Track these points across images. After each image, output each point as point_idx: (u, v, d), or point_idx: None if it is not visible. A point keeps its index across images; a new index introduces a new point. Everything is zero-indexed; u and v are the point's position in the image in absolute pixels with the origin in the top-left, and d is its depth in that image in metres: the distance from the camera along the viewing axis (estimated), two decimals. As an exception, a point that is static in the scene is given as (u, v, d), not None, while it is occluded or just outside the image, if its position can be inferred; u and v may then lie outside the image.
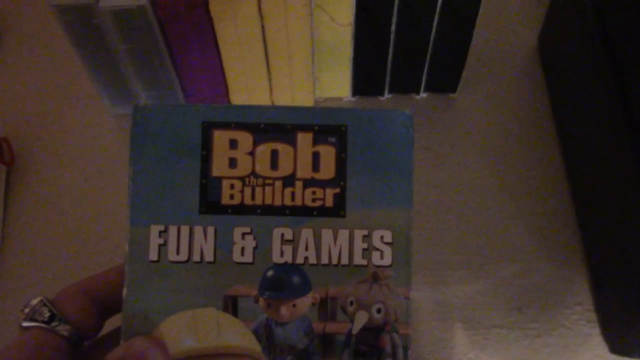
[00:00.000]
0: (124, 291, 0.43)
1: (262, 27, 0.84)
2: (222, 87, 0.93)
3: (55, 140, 0.96)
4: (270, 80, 0.92)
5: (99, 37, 0.84)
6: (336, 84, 0.96)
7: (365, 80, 0.95)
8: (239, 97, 0.94)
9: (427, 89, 0.97)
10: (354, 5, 0.83)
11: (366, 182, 0.43)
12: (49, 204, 0.90)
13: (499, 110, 0.96)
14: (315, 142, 0.43)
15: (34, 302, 0.45)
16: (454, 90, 0.97)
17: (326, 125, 0.43)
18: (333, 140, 0.43)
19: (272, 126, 0.43)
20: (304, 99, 0.95)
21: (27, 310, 0.45)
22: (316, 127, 0.43)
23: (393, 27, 0.86)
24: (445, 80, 0.96)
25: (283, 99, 0.95)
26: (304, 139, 0.43)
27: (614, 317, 0.77)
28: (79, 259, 0.86)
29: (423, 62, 0.92)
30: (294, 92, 0.94)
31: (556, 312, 0.81)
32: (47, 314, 0.44)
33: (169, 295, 0.43)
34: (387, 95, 0.98)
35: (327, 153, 0.43)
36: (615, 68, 0.73)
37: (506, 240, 0.86)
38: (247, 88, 0.92)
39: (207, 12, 0.82)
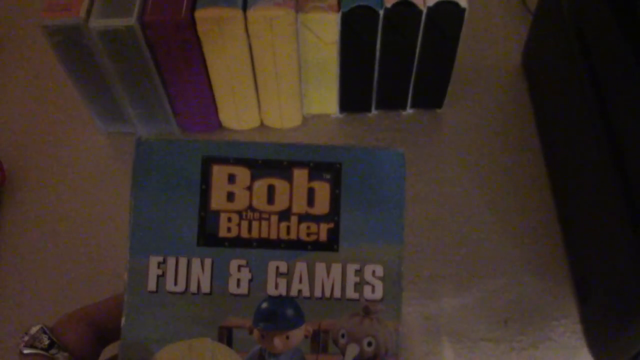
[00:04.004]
0: (122, 320, 0.43)
1: (249, 46, 0.85)
2: (211, 105, 0.94)
3: (46, 159, 0.96)
4: (258, 98, 0.93)
5: (89, 57, 0.84)
6: (324, 101, 0.96)
7: (352, 97, 0.96)
8: (227, 115, 0.95)
9: (414, 105, 0.98)
10: (339, 23, 0.84)
11: (359, 217, 0.44)
12: (41, 223, 0.90)
13: (485, 125, 0.97)
14: (310, 178, 0.44)
15: (34, 330, 0.45)
16: (439, 105, 0.98)
17: (321, 162, 0.44)
18: (328, 176, 0.44)
19: (270, 162, 0.44)
20: (292, 116, 0.96)
21: (26, 338, 0.45)
22: (312, 164, 0.44)
23: (378, 45, 0.87)
24: (431, 96, 0.97)
25: (271, 117, 0.96)
26: (299, 175, 0.44)
27: (600, 329, 0.77)
28: (72, 278, 0.86)
29: (409, 78, 0.93)
30: (282, 110, 0.94)
31: (542, 324, 0.81)
32: (47, 342, 0.45)
33: (166, 325, 0.43)
34: (374, 112, 0.98)
35: (322, 189, 0.44)
36: (596, 83, 0.74)
37: (492, 254, 0.86)
38: (235, 106, 0.93)
39: (195, 32, 0.82)
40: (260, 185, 0.44)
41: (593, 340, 0.79)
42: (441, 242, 0.87)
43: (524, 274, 0.85)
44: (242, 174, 0.44)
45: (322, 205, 0.44)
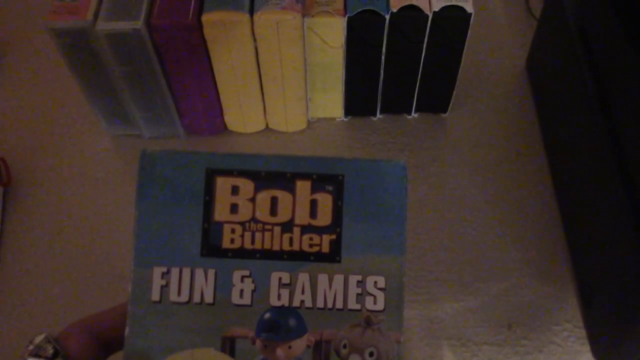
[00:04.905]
0: (126, 330, 0.44)
1: (256, 49, 0.85)
2: (216, 108, 0.94)
3: (52, 160, 0.96)
4: (264, 101, 0.93)
5: (95, 60, 0.85)
6: (329, 105, 0.97)
7: (358, 101, 0.96)
8: (233, 118, 0.96)
9: (419, 109, 0.98)
10: (345, 27, 0.84)
11: (361, 229, 0.44)
12: (46, 224, 0.91)
13: (489, 130, 0.97)
14: (313, 190, 0.44)
15: (38, 339, 0.45)
16: (445, 110, 0.98)
17: (324, 174, 0.44)
18: (330, 188, 0.44)
19: (273, 174, 0.44)
20: (297, 119, 0.96)
21: (31, 347, 0.45)
22: (314, 176, 0.44)
23: (384, 49, 0.87)
24: (436, 100, 0.97)
25: (277, 120, 0.96)
26: (302, 187, 0.44)
27: (603, 334, 0.77)
28: (76, 279, 0.86)
29: (414, 83, 0.93)
30: (288, 113, 0.95)
31: (546, 329, 0.81)
32: (51, 351, 0.44)
33: (170, 335, 0.43)
34: (379, 116, 0.99)
35: (325, 201, 0.44)
36: (600, 87, 0.75)
37: (496, 258, 0.86)
38: (241, 109, 0.93)
39: (202, 35, 0.83)
40: (264, 197, 0.44)
41: (596, 344, 0.79)
42: (444, 246, 0.87)
43: (528, 278, 0.85)
44: (246, 185, 0.44)
45: (324, 217, 0.44)
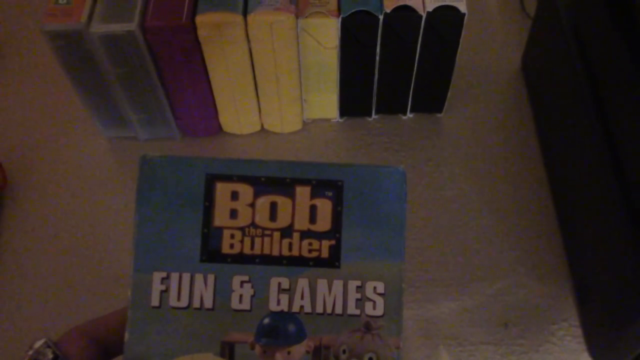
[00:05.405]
0: (126, 335, 0.43)
1: (250, 50, 0.85)
2: (211, 110, 0.94)
3: (48, 163, 0.96)
4: (259, 102, 0.93)
5: (90, 62, 0.85)
6: (324, 106, 0.97)
7: (353, 101, 0.96)
8: (228, 119, 0.95)
9: (414, 109, 0.98)
10: (339, 28, 0.84)
11: (360, 234, 0.44)
12: (42, 226, 0.90)
13: (484, 130, 0.97)
14: (312, 195, 0.44)
15: (38, 344, 0.45)
16: (440, 110, 0.98)
17: (323, 180, 0.44)
18: (330, 194, 0.44)
19: (272, 180, 0.44)
20: (292, 120, 0.96)
21: (30, 352, 0.45)
22: (314, 182, 0.44)
23: (378, 50, 0.87)
24: (431, 100, 0.97)
25: (272, 121, 0.96)
26: (302, 193, 0.44)
27: (600, 332, 0.77)
28: (73, 281, 0.86)
29: (409, 83, 0.93)
30: (283, 114, 0.94)
31: (542, 328, 0.81)
32: (51, 356, 0.44)
33: (169, 340, 0.43)
34: (374, 116, 0.99)
35: (324, 206, 0.44)
36: (594, 86, 0.75)
37: (492, 258, 0.86)
38: (236, 110, 0.93)
39: (196, 36, 0.83)
40: (263, 203, 0.44)
41: (593, 343, 0.79)
42: (440, 246, 0.88)
43: (524, 278, 0.85)
44: (245, 191, 0.44)
45: (324, 222, 0.44)
